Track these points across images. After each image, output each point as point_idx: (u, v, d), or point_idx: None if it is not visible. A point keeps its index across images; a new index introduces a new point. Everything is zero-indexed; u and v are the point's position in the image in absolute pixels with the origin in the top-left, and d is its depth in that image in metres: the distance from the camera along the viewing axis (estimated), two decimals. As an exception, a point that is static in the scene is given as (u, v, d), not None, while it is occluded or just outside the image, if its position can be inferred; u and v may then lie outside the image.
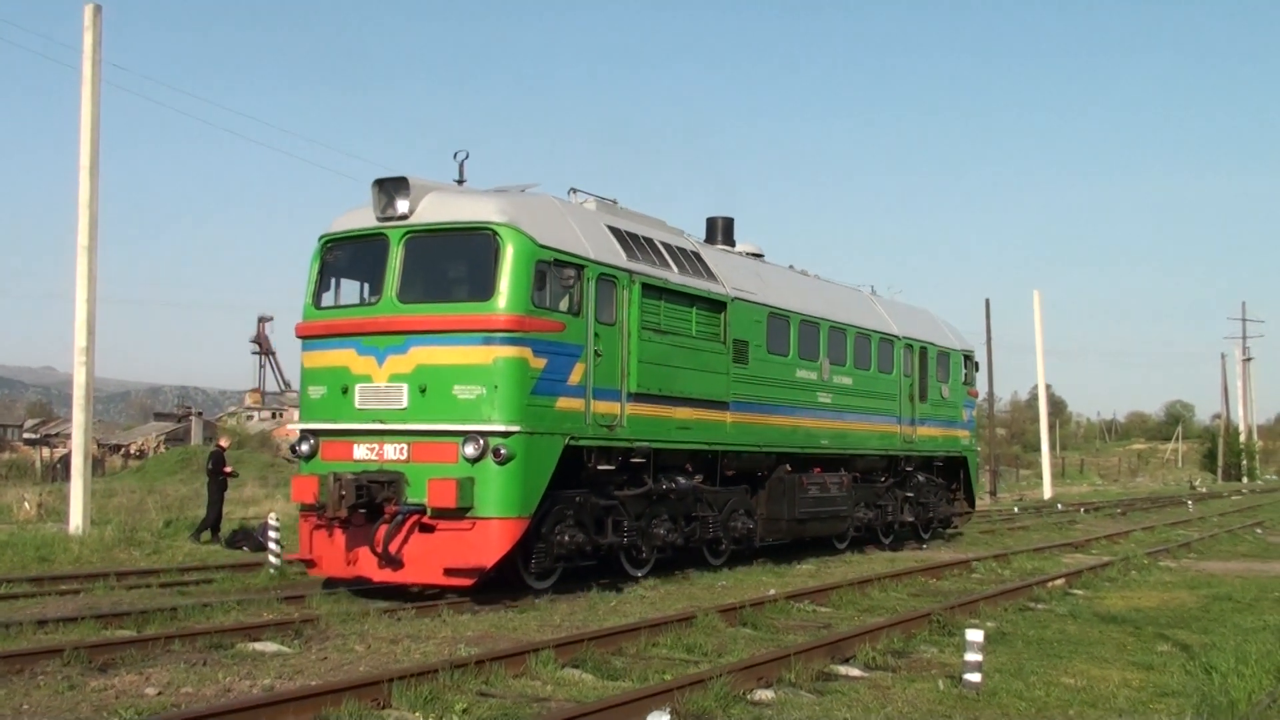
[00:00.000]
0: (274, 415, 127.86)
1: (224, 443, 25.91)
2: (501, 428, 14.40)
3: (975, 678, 9.88)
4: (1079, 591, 17.43)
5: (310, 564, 15.57)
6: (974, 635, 9.98)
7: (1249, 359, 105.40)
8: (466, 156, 16.10)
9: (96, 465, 65.66)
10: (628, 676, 10.35)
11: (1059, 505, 45.03)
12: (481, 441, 14.35)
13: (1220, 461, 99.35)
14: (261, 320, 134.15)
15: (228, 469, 24.27)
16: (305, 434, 15.62)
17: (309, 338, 15.88)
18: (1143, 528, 31.74)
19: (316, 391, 15.59)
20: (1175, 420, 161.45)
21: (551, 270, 15.07)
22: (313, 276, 16.02)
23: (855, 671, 10.76)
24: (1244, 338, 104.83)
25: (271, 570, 17.81)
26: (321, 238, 16.11)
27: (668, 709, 8.66)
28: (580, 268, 15.50)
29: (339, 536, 14.97)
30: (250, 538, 22.72)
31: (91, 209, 23.42)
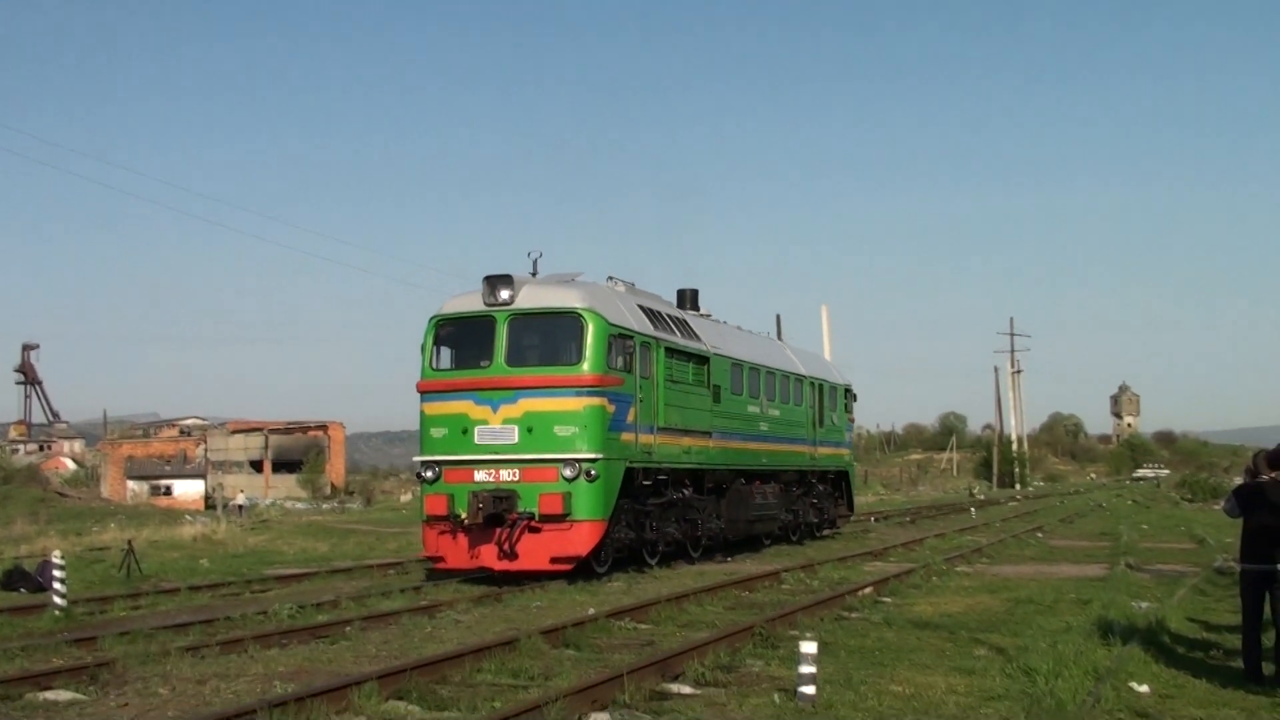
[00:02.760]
0: (41, 448, 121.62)
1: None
2: (590, 455, 19.43)
3: (810, 690, 9.82)
4: (888, 599, 17.74)
5: (438, 559, 20.16)
6: (808, 648, 9.92)
7: (1019, 371, 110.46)
8: (540, 255, 21.25)
9: None
10: (455, 706, 9.99)
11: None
12: (577, 466, 19.34)
13: (995, 470, 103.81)
14: (26, 348, 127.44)
15: None
16: (429, 464, 20.20)
17: (430, 392, 20.54)
18: (934, 535, 32.67)
19: (439, 432, 20.23)
20: (949, 431, 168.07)
21: (616, 341, 20.16)
22: (429, 346, 20.70)
23: (687, 689, 10.61)
24: (1012, 351, 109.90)
25: (57, 612, 16.69)
26: (434, 318, 20.77)
27: (506, 738, 8.36)
28: (631, 338, 20.64)
29: (462, 539, 19.74)
30: (28, 578, 21.25)
31: None
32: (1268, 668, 10.85)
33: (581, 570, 19.85)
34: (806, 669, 9.88)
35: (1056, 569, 23.26)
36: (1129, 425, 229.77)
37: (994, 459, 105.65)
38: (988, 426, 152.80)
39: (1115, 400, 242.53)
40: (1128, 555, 25.21)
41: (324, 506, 75.23)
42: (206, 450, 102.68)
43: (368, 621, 15.10)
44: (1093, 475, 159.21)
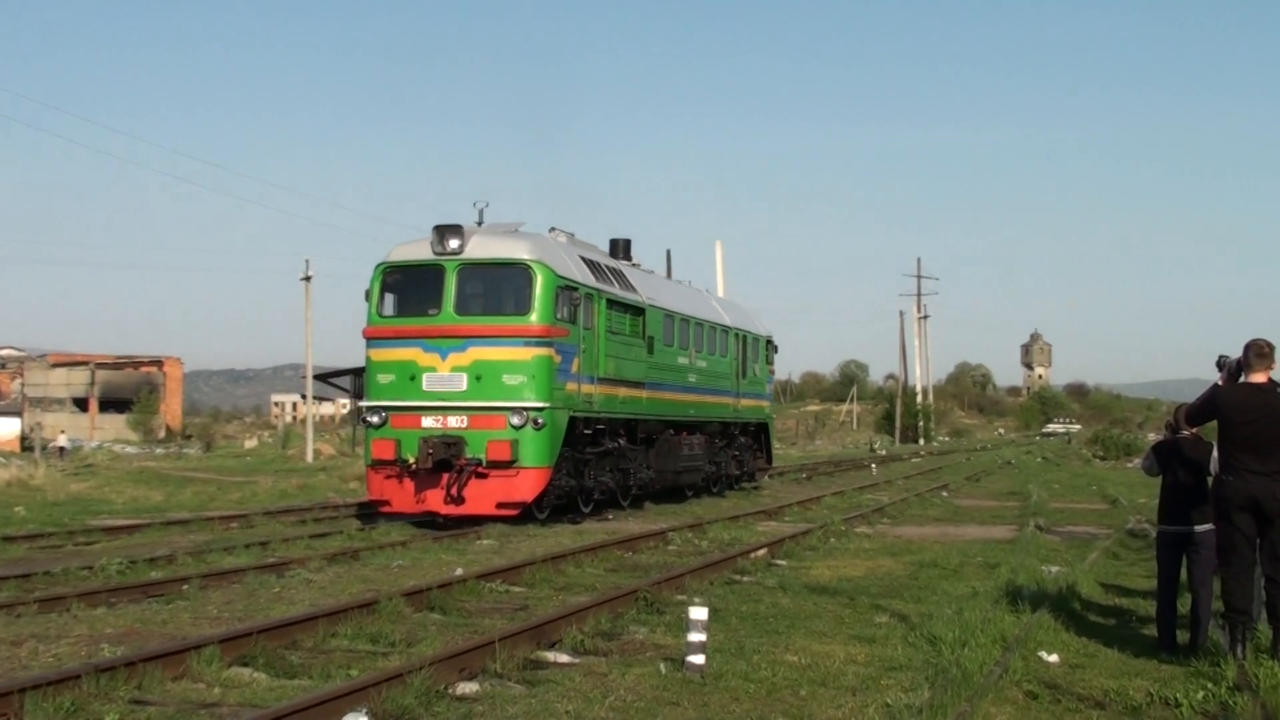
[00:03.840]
0: None
1: None
2: (537, 404, 21.52)
3: (699, 659, 9.90)
4: (783, 562, 17.98)
5: (384, 503, 22.21)
6: (697, 614, 9.98)
7: (925, 317, 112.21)
8: (486, 205, 23.31)
9: None
10: (307, 673, 9.92)
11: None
12: (525, 414, 21.40)
13: (898, 423, 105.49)
14: None
15: None
16: (375, 409, 22.21)
17: (377, 338, 22.57)
18: (832, 493, 33.21)
19: (385, 378, 22.27)
20: (849, 381, 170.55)
21: (562, 293, 22.23)
22: (375, 293, 22.67)
23: (565, 657, 10.63)
24: (919, 295, 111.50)
25: None
26: (380, 265, 22.74)
27: (364, 710, 8.29)
28: (576, 290, 22.72)
29: (408, 483, 21.72)
30: None
31: None
32: (1182, 636, 11.21)
33: (524, 516, 22.10)
34: (695, 637, 9.95)
35: (962, 530, 23.80)
36: (1040, 377, 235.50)
37: (897, 412, 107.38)
38: (891, 377, 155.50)
39: (1026, 350, 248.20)
40: (1037, 516, 25.84)
41: (158, 451, 73.97)
42: (23, 385, 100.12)
43: (208, 579, 14.91)
44: (1001, 430, 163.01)
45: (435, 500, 21.64)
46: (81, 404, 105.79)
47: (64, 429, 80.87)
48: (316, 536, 20.37)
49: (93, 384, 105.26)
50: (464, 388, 21.72)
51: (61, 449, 62.44)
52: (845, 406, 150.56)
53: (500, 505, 21.54)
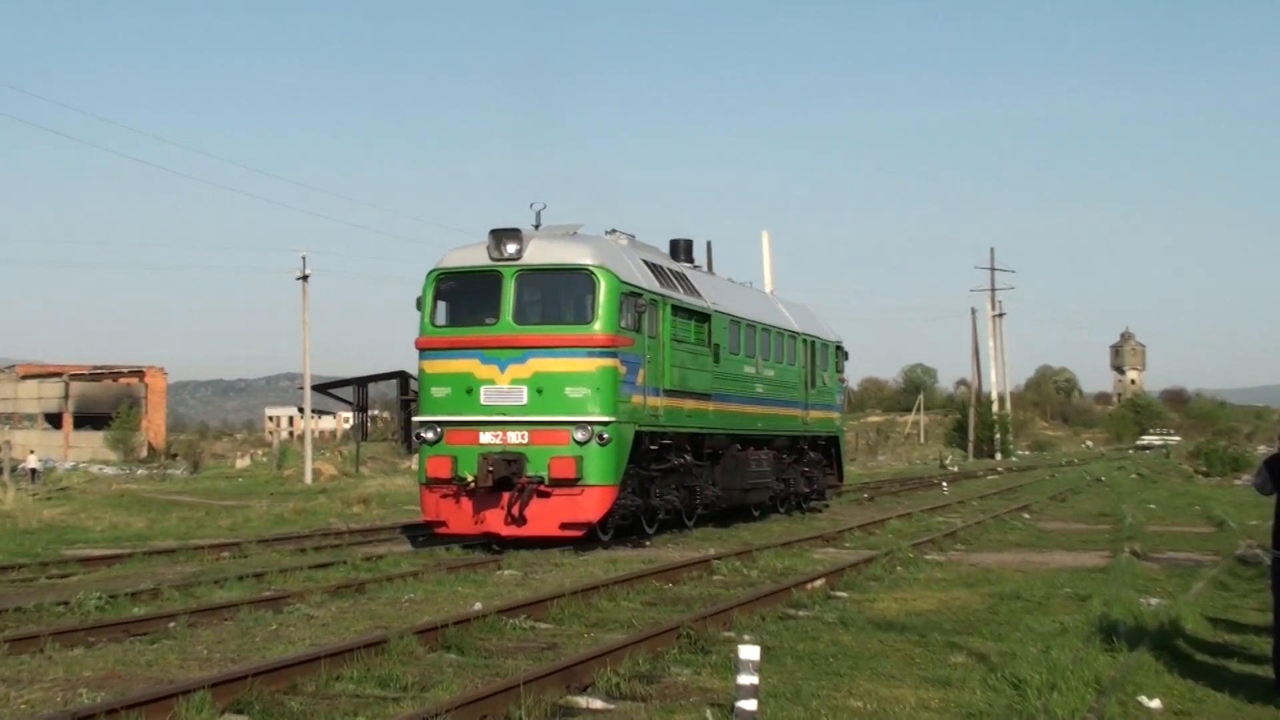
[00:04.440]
0: None
1: None
2: (602, 418, 22.55)
3: (750, 705, 9.84)
4: (843, 593, 17.93)
5: (440, 524, 23.17)
6: (748, 653, 9.91)
7: (1001, 315, 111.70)
8: (544, 207, 24.54)
9: None
10: (308, 723, 9.91)
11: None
12: (589, 429, 22.43)
13: (971, 436, 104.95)
14: None
15: None
16: (430, 424, 23.20)
17: (431, 349, 23.67)
18: (898, 515, 33.09)
19: (440, 392, 23.29)
20: (916, 388, 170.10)
21: (627, 300, 23.23)
22: (429, 301, 23.75)
23: (598, 703, 10.64)
24: (993, 290, 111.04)
25: None
26: (433, 272, 23.84)
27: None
28: (641, 296, 23.74)
29: (466, 503, 22.71)
30: None
31: None
32: (1303, 678, 11.08)
33: (589, 538, 23.21)
34: (746, 679, 9.89)
35: (1047, 558, 23.66)
36: (1132, 382, 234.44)
37: (970, 423, 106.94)
38: (962, 383, 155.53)
39: (1116, 352, 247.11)
40: (1133, 541, 25.68)
41: (139, 472, 74.38)
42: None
43: (196, 616, 15.00)
44: (1089, 443, 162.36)
45: (495, 521, 22.54)
46: (54, 420, 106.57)
47: (35, 448, 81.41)
48: (317, 567, 20.43)
49: (67, 397, 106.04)
50: (524, 401, 22.72)
51: (33, 470, 62.82)
52: (911, 417, 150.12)
53: (564, 526, 22.48)
